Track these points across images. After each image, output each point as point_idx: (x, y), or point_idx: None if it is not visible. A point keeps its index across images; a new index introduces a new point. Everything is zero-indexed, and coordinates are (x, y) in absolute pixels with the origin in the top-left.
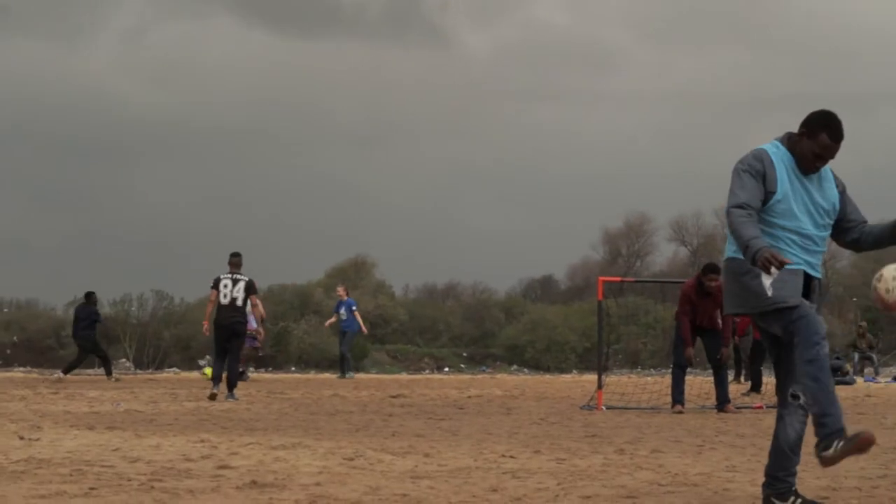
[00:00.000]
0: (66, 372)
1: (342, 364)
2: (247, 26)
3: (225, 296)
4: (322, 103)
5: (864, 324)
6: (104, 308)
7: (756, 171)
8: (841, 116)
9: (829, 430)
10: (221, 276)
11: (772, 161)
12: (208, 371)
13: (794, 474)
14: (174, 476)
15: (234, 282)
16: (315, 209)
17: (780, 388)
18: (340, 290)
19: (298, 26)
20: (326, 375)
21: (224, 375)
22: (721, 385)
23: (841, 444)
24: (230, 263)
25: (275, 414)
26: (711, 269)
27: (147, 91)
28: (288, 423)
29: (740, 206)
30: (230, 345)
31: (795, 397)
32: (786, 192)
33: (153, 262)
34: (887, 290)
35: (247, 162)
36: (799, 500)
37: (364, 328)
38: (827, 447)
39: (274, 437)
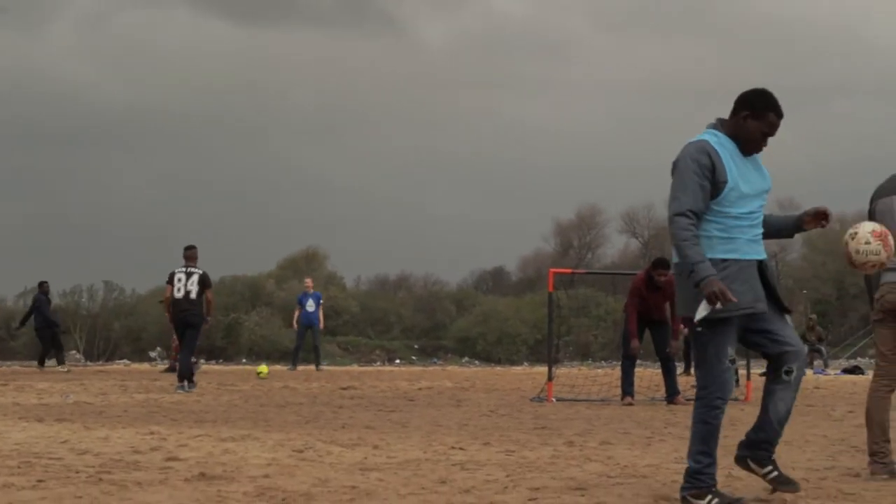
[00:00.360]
0: (41, 363)
1: (317, 356)
2: (204, 15)
3: (179, 290)
4: (278, 92)
5: (813, 316)
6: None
7: (702, 165)
8: (799, 108)
9: (703, 484)
10: (176, 270)
11: (716, 151)
12: (263, 369)
13: (774, 446)
14: (122, 468)
15: (188, 275)
16: (268, 199)
17: (773, 365)
18: (309, 282)
19: (255, 15)
20: (277, 367)
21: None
22: (670, 377)
23: (715, 501)
24: (185, 256)
25: (224, 406)
26: (661, 263)
27: (102, 78)
28: (237, 415)
29: (684, 215)
30: (185, 337)
31: (789, 373)
32: (735, 178)
33: (104, 252)
34: (857, 252)
35: (201, 150)
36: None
37: (322, 323)
38: (699, 497)
39: (223, 429)
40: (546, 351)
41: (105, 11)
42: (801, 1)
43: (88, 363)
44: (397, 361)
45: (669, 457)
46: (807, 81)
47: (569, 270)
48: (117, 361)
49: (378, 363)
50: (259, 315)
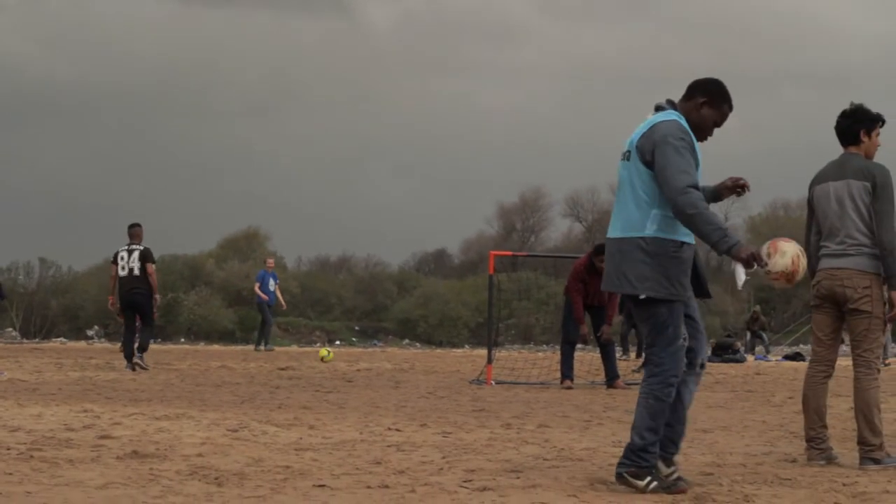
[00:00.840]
0: None
1: (266, 334)
2: None
3: (122, 268)
4: (222, 70)
5: (757, 308)
6: None
7: (689, 143)
8: (746, 95)
9: (646, 463)
10: (119, 249)
11: (689, 132)
12: (323, 352)
13: (679, 445)
14: (54, 446)
15: (130, 252)
16: (210, 177)
17: (689, 354)
18: (270, 262)
19: None
20: (215, 347)
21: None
22: (609, 361)
23: (654, 484)
24: (129, 234)
25: (160, 385)
26: (603, 250)
27: (40, 53)
28: (173, 394)
29: (695, 187)
30: (139, 314)
31: (703, 366)
32: (699, 162)
33: (41, 229)
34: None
35: (141, 127)
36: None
37: (283, 304)
38: (637, 476)
39: (158, 407)
40: (487, 334)
41: None
42: None
43: (24, 341)
44: (337, 343)
45: (607, 440)
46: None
47: (510, 253)
48: (54, 339)
49: (318, 344)
50: (198, 295)
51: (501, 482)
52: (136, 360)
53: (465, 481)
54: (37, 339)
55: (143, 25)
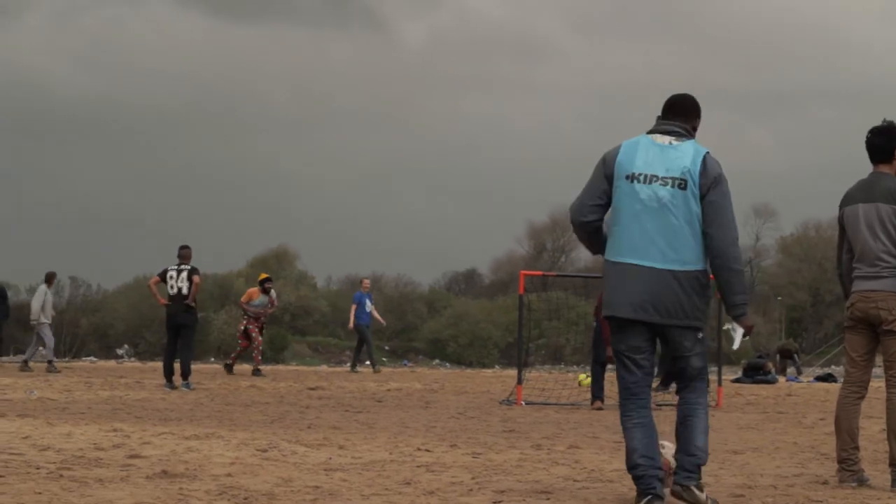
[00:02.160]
0: None
1: (369, 355)
2: (184, 8)
3: (171, 287)
4: (253, 88)
5: (790, 341)
6: (21, 294)
7: None
8: (775, 112)
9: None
10: (168, 268)
11: None
12: (582, 378)
13: None
14: (84, 465)
15: (179, 272)
16: (240, 196)
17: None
18: (366, 283)
19: (236, 10)
20: (245, 366)
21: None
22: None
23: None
24: (178, 255)
25: (190, 404)
26: None
27: (74, 72)
28: (203, 414)
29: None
30: (180, 336)
31: None
32: None
33: (72, 247)
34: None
35: (171, 145)
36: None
37: (383, 321)
38: (700, 489)
39: (187, 427)
40: (517, 354)
41: (81, 5)
42: (777, 5)
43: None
44: (367, 363)
45: None
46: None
47: (540, 273)
48: (84, 358)
49: (347, 364)
50: (228, 314)
51: (531, 503)
52: (181, 385)
53: (495, 502)
54: (67, 358)
55: (175, 43)
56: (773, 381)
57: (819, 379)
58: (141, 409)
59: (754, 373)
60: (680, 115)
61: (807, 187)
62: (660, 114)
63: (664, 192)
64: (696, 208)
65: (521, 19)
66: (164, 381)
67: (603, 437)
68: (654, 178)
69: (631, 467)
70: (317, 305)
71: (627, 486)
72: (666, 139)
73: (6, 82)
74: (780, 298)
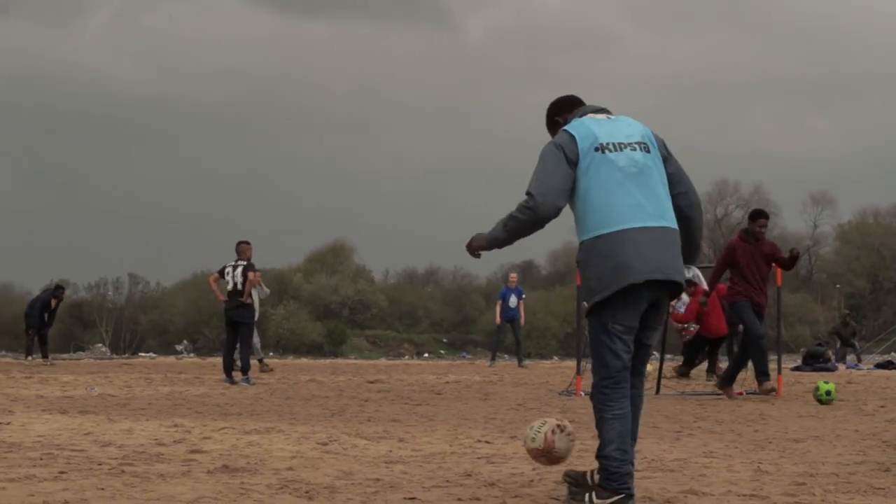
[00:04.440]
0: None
1: (519, 351)
2: (252, 4)
3: (228, 282)
4: (316, 83)
5: (847, 311)
6: (80, 292)
7: None
8: (833, 99)
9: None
10: (227, 265)
11: None
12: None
13: None
14: (145, 460)
15: (235, 267)
16: (298, 191)
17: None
18: (513, 277)
19: (302, 5)
20: (304, 360)
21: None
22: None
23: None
24: (236, 251)
25: (250, 399)
26: (763, 213)
27: (134, 73)
28: (262, 408)
29: None
30: (238, 331)
31: None
32: None
33: (130, 244)
34: (532, 439)
35: (229, 142)
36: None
37: (523, 319)
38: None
39: (248, 421)
40: (575, 345)
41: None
42: None
43: (114, 356)
44: (425, 355)
45: (698, 451)
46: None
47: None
48: (143, 354)
49: (406, 357)
50: (286, 308)
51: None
52: (241, 381)
53: (555, 493)
54: (126, 355)
55: (237, 40)
56: (832, 369)
57: (879, 366)
58: (201, 405)
59: (814, 361)
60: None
61: (865, 174)
62: (558, 116)
63: (638, 157)
64: (663, 170)
65: (581, 12)
66: (223, 376)
67: (663, 426)
68: (623, 145)
69: (604, 457)
70: (374, 299)
71: (688, 476)
72: (601, 115)
73: (66, 83)
74: (838, 286)
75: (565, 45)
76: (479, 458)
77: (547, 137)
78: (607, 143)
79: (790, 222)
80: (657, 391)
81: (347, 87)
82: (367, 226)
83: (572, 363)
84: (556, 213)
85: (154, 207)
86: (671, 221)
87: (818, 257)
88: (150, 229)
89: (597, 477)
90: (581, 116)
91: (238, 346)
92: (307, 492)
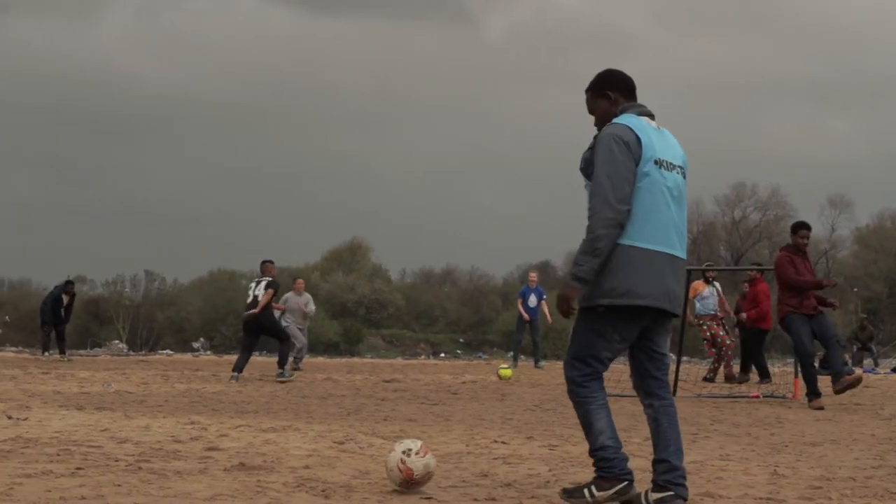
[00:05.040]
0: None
1: (536, 352)
2: (271, 1)
3: (248, 296)
4: (334, 81)
5: (865, 315)
6: (97, 289)
7: None
8: (853, 101)
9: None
10: (252, 282)
11: None
12: (503, 372)
13: None
14: (162, 457)
15: (258, 283)
16: (316, 189)
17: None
18: (533, 276)
19: (323, 2)
20: (320, 359)
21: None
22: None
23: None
24: (260, 270)
25: (266, 397)
26: (805, 225)
27: (154, 67)
28: (279, 406)
29: None
30: (272, 336)
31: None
32: None
33: (147, 241)
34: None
35: (246, 141)
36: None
37: (549, 318)
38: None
39: (264, 419)
40: None
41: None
42: None
43: (131, 353)
44: (442, 355)
45: (714, 453)
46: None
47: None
48: (160, 352)
49: (422, 356)
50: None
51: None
52: (276, 375)
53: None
54: (143, 352)
55: (256, 38)
56: (850, 373)
57: None
58: (217, 402)
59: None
60: (618, 90)
61: (883, 177)
62: (610, 91)
63: (680, 181)
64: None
65: (600, 11)
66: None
67: (680, 428)
68: (672, 166)
69: (599, 448)
70: (391, 298)
71: (704, 478)
72: (654, 123)
73: (85, 80)
74: (855, 290)
75: (584, 43)
76: (495, 458)
77: (578, 102)
78: (663, 160)
79: None
80: (674, 393)
81: (366, 85)
82: (384, 225)
83: None
84: (626, 215)
85: (172, 205)
86: (685, 252)
87: (835, 261)
88: (167, 226)
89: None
90: (638, 114)
91: (279, 344)
92: (324, 490)
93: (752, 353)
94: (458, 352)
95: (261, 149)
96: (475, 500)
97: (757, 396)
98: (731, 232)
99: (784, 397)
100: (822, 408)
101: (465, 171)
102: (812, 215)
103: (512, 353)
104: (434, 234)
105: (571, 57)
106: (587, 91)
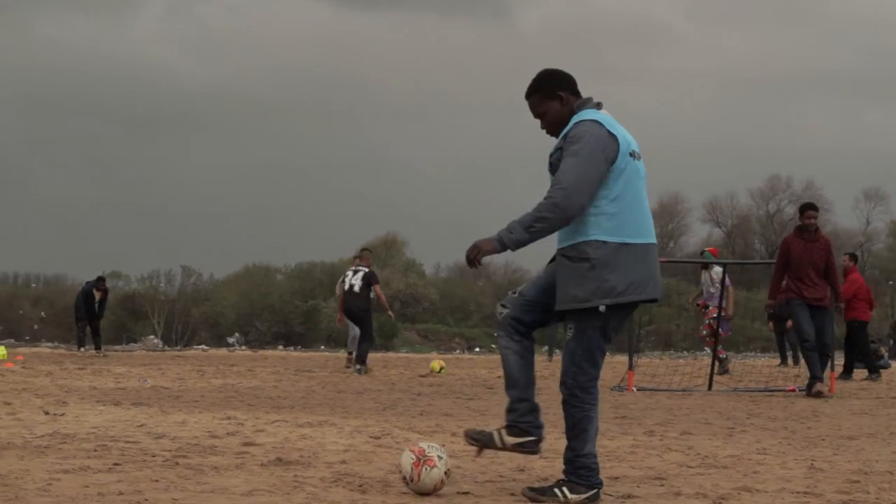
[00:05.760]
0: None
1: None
2: None
3: (345, 283)
4: (371, 76)
5: None
6: (132, 284)
7: None
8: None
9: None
10: (347, 271)
11: None
12: (436, 365)
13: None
14: (199, 452)
15: (355, 272)
16: (351, 184)
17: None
18: None
19: None
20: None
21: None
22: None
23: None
24: (358, 257)
25: (302, 392)
26: (812, 206)
27: (189, 62)
28: (315, 402)
29: None
30: (358, 326)
31: None
32: None
33: (183, 236)
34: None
35: (281, 135)
36: None
37: None
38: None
39: (300, 414)
40: (627, 340)
41: None
42: None
43: (166, 348)
44: (477, 349)
45: (751, 447)
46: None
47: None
48: (195, 347)
49: (457, 351)
50: (337, 301)
51: (645, 490)
52: (355, 369)
53: (608, 488)
54: (178, 347)
55: (291, 32)
56: (886, 366)
57: None
58: (253, 398)
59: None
60: (565, 89)
61: None
62: (561, 91)
63: (642, 168)
64: None
65: (634, 5)
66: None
67: (716, 423)
68: (638, 155)
69: (586, 454)
70: (426, 293)
71: (741, 472)
72: (604, 111)
73: (121, 76)
74: (891, 283)
75: (618, 37)
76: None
77: None
78: (634, 151)
79: (842, 218)
80: (709, 387)
81: (402, 80)
82: (418, 219)
83: (622, 359)
84: (580, 213)
85: (207, 200)
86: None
87: (871, 254)
88: (202, 221)
89: (506, 437)
90: (597, 109)
91: (358, 338)
92: (360, 485)
93: (858, 347)
94: (493, 346)
95: (296, 144)
96: (512, 494)
97: (793, 390)
98: (766, 225)
99: (821, 393)
100: (821, 392)
101: (501, 165)
102: (847, 208)
103: (547, 348)
104: (468, 228)
105: (606, 50)
106: (532, 94)
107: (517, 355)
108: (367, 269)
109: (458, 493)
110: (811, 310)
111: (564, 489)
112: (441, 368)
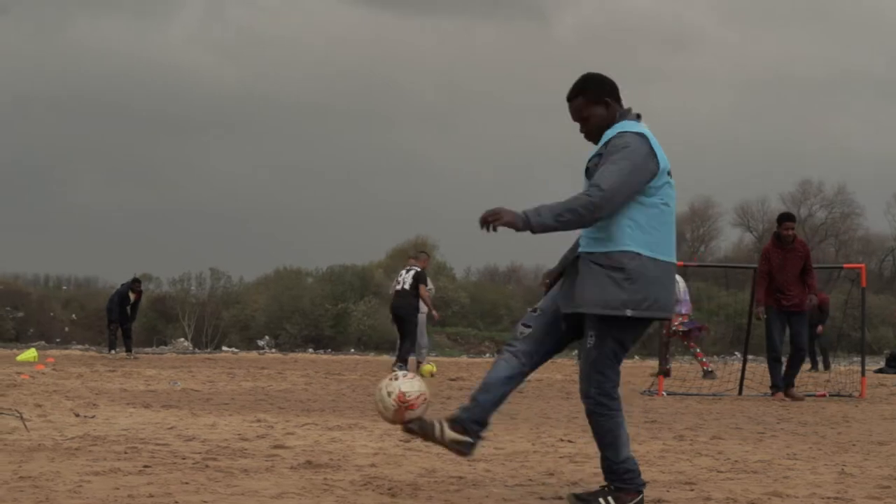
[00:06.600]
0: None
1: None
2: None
3: (397, 282)
4: (403, 78)
5: None
6: (163, 286)
7: None
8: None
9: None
10: (401, 269)
11: None
12: (424, 368)
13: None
14: (229, 455)
15: (408, 271)
16: (381, 187)
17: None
18: None
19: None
20: (385, 357)
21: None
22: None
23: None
24: (410, 257)
25: (332, 395)
26: (790, 216)
27: (221, 65)
28: (345, 405)
29: None
30: (400, 326)
31: None
32: None
33: (213, 239)
34: (385, 409)
35: (310, 138)
36: None
37: None
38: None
39: (330, 417)
40: (657, 344)
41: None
42: None
43: (196, 351)
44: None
45: (781, 452)
46: None
47: (680, 263)
48: (225, 349)
49: (487, 355)
50: (367, 305)
51: (675, 494)
52: (396, 368)
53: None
54: (208, 350)
55: (322, 35)
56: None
57: None
58: (283, 400)
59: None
60: (607, 94)
61: None
62: (609, 97)
63: (674, 191)
64: None
65: (667, 8)
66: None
67: (746, 427)
68: (671, 174)
69: (624, 460)
70: (456, 297)
71: (772, 477)
72: (644, 124)
73: (153, 78)
74: None
75: (650, 40)
76: (561, 457)
77: None
78: (670, 170)
79: (874, 223)
80: (739, 392)
81: (433, 83)
82: (449, 222)
83: (653, 363)
84: (604, 219)
85: (238, 203)
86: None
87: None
88: (232, 224)
89: (447, 430)
90: (637, 120)
91: (402, 338)
92: (390, 489)
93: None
94: None
95: (326, 146)
96: (542, 498)
97: (824, 395)
98: (798, 230)
99: (851, 396)
100: (783, 400)
101: (532, 167)
102: (878, 212)
103: (576, 352)
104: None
105: (638, 52)
106: (577, 97)
107: (507, 371)
108: (419, 269)
109: (487, 496)
110: (788, 316)
111: (610, 498)
112: (432, 375)
